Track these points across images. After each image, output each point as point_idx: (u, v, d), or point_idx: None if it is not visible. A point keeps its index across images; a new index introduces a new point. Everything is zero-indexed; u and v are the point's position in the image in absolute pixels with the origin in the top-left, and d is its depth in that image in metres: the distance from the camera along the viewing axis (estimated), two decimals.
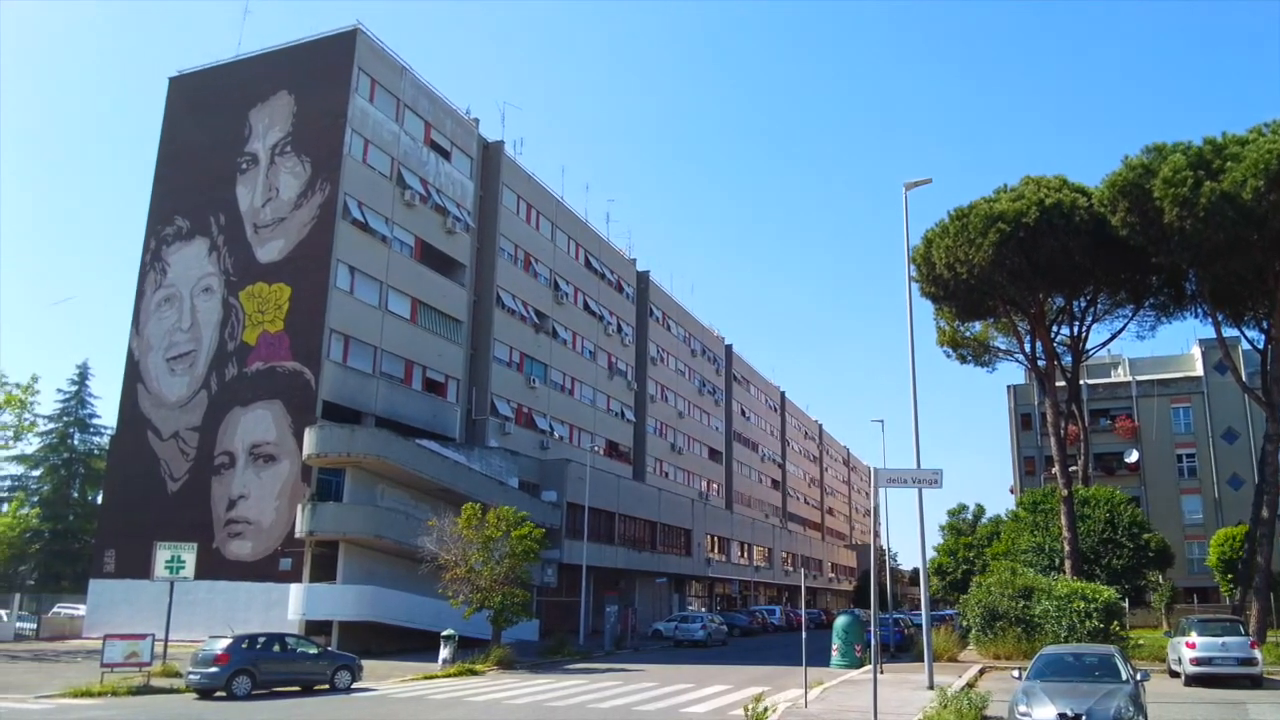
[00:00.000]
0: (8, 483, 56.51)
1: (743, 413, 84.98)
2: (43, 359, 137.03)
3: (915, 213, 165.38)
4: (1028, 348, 36.01)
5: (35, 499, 54.56)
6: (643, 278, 66.70)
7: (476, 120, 48.38)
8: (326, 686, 22.63)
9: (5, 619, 38.35)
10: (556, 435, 51.89)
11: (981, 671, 24.38)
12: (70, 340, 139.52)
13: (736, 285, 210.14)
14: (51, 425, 54.75)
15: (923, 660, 21.65)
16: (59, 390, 57.04)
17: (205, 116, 42.36)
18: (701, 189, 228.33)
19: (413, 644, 34.03)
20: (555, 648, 33.58)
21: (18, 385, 35.93)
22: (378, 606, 33.82)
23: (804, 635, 19.14)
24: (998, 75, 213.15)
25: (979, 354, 39.28)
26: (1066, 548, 32.71)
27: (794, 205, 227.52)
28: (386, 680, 24.80)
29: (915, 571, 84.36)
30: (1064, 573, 31.97)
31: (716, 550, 66.61)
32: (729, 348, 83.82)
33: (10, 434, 37.02)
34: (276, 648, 22.52)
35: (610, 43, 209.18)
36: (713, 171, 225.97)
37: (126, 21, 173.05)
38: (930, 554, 65.23)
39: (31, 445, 51.13)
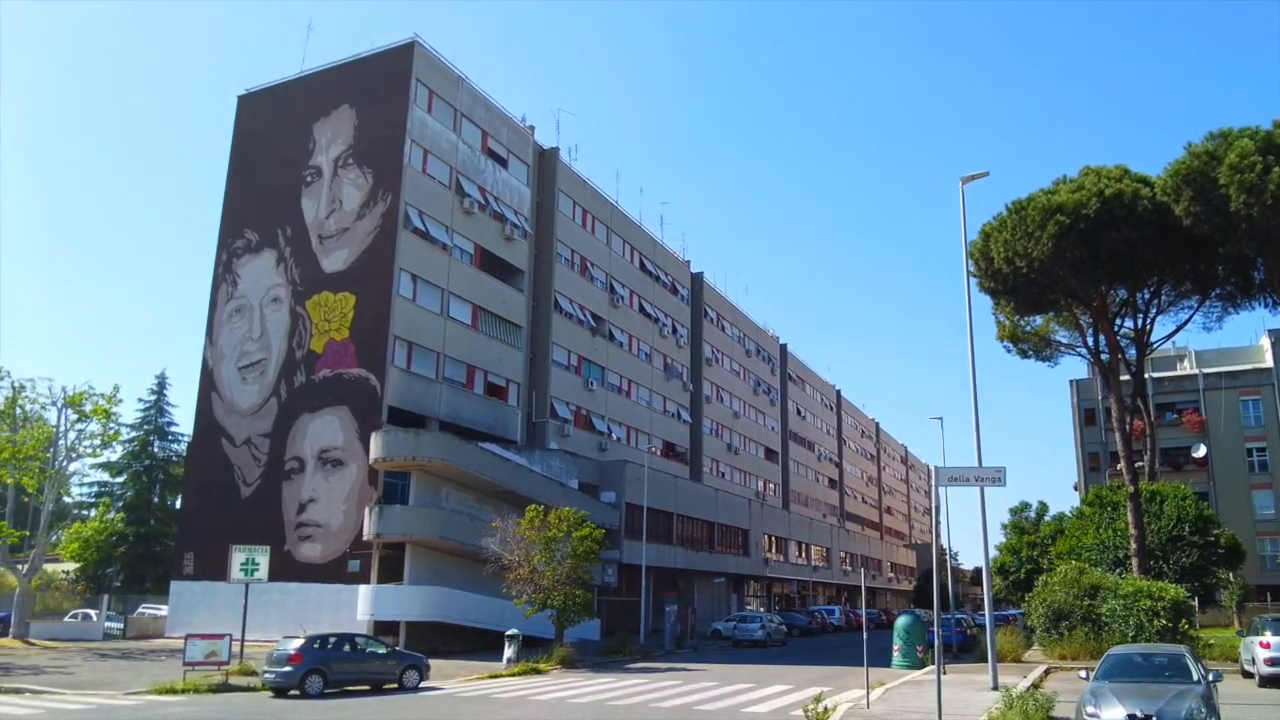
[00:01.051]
0: (94, 489, 59.20)
1: (798, 412, 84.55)
2: (125, 369, 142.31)
3: (972, 208, 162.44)
4: (1090, 341, 35.37)
5: (120, 504, 56.97)
6: (697, 279, 66.86)
7: (532, 128, 49.08)
8: (395, 685, 23.24)
9: (95, 619, 40.07)
10: (614, 437, 52.34)
11: (1047, 672, 24.13)
12: (149, 351, 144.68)
13: (790, 284, 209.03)
14: (133, 433, 56.99)
15: (985, 661, 21.54)
16: (139, 400, 59.51)
17: (271, 132, 43.70)
18: (756, 188, 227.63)
19: (478, 643, 34.71)
20: (616, 647, 34.05)
21: (103, 396, 37.58)
22: (443, 607, 34.55)
23: (865, 635, 19.19)
24: (1053, 67, 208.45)
25: (1040, 348, 38.60)
26: (1133, 545, 32.08)
27: (849, 202, 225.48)
28: (453, 679, 25.41)
29: (977, 571, 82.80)
30: (1131, 570, 31.40)
31: (774, 550, 66.46)
32: (783, 347, 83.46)
33: (98, 442, 38.77)
34: (347, 648, 23.18)
35: (663, 45, 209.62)
36: (767, 170, 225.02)
37: (200, 41, 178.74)
38: (992, 553, 64.08)
39: (116, 453, 53.31)
